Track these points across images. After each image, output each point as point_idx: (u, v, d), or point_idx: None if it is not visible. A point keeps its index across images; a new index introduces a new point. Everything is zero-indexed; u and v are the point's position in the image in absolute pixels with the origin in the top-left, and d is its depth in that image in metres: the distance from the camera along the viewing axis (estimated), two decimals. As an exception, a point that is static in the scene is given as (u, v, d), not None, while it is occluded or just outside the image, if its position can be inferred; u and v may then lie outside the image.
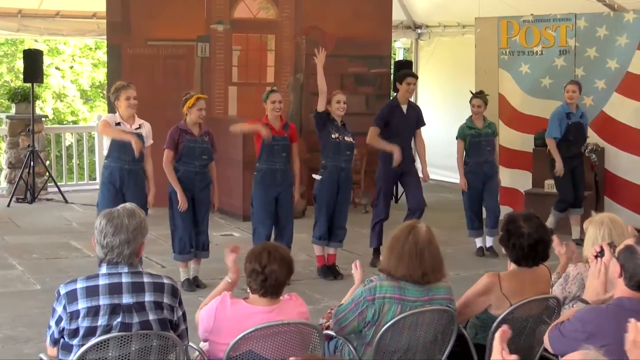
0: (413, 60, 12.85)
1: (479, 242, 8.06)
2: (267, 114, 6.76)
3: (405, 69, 7.92)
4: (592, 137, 9.14)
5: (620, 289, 3.05)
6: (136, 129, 6.37)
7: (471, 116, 8.07)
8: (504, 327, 2.40)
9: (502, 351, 2.28)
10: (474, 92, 8.22)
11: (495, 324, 3.78)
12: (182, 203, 6.47)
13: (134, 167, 6.36)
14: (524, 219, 3.92)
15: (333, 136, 6.90)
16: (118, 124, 6.31)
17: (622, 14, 9.15)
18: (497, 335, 2.33)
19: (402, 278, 3.65)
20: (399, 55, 13.96)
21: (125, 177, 6.32)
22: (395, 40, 13.07)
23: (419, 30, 13.11)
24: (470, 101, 8.06)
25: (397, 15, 11.85)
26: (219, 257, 3.94)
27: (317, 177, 7.04)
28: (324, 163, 6.99)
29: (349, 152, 7.00)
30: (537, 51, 9.50)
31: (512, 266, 4.02)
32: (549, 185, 8.98)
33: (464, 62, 11.02)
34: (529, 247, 3.88)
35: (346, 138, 6.94)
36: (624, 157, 9.01)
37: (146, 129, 6.46)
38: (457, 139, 8.08)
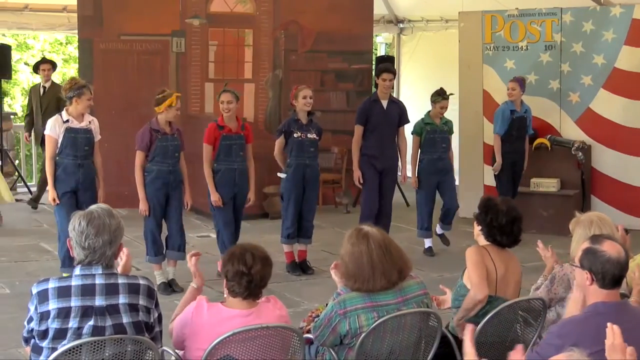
0: (395, 56, 12.71)
1: (428, 242, 7.89)
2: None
3: (384, 63, 7.73)
4: (579, 135, 9.03)
5: (594, 295, 3.01)
6: (87, 125, 6.36)
7: (429, 112, 7.78)
8: (470, 326, 2.55)
9: (473, 350, 2.33)
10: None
11: (481, 324, 3.67)
12: (145, 209, 6.46)
13: (86, 161, 6.37)
14: (501, 200, 4.10)
15: (295, 135, 6.92)
16: (67, 121, 6.29)
17: (609, 8, 9.01)
18: (466, 336, 2.39)
19: (382, 289, 3.56)
20: (381, 51, 13.78)
21: (78, 173, 6.30)
22: (376, 35, 12.93)
23: (401, 25, 12.95)
24: (435, 101, 7.69)
25: (379, 9, 11.70)
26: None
27: (281, 175, 7.06)
28: (289, 161, 7.01)
29: (312, 148, 7.02)
30: (522, 46, 9.33)
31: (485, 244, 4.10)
32: (535, 184, 8.82)
33: (447, 58, 10.90)
34: (507, 222, 3.99)
35: (309, 135, 6.95)
36: (612, 155, 8.89)
37: (95, 125, 6.48)
38: (412, 134, 7.84)
